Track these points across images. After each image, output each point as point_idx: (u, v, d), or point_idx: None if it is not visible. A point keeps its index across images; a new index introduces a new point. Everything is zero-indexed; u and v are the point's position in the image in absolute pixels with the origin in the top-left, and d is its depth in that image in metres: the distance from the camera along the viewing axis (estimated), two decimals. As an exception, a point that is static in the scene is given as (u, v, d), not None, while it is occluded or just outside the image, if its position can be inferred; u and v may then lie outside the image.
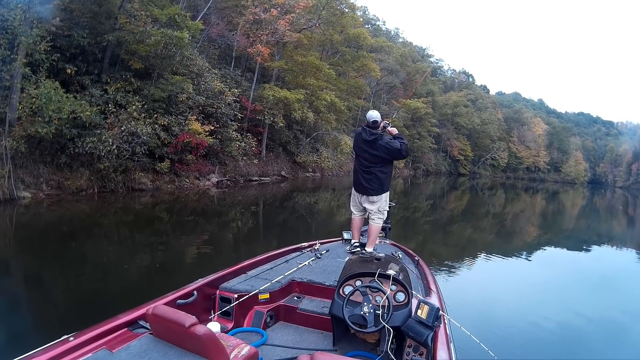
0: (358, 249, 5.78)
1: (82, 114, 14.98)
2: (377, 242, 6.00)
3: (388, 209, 6.03)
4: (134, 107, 17.15)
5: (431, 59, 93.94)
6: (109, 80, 17.90)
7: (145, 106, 17.94)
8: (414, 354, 3.25)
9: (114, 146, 15.83)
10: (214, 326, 3.19)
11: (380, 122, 5.67)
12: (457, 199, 36.20)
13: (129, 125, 16.48)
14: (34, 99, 14.00)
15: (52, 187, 15.36)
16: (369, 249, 5.57)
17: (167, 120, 18.83)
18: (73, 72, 16.73)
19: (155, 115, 18.31)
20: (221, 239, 12.43)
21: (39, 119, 13.99)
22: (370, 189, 5.73)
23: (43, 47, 14.35)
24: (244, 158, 25.43)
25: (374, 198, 5.76)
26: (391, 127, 5.77)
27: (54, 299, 6.84)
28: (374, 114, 5.68)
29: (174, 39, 17.68)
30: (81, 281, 7.65)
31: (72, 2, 17.42)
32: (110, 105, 16.93)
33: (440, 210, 26.23)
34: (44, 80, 14.53)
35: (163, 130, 18.58)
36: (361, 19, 56.01)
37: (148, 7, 18.59)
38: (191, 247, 10.97)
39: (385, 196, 5.84)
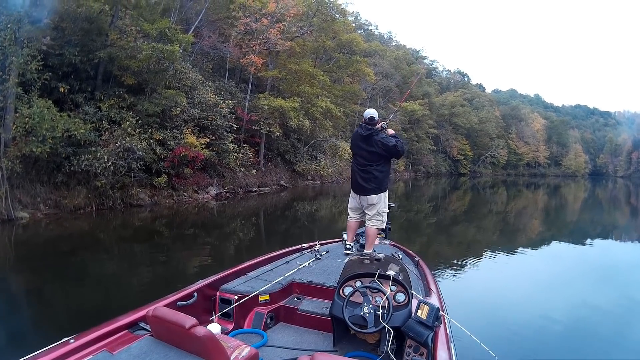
0: (348, 251, 5.73)
1: (76, 132, 14.93)
2: (377, 242, 5.98)
3: (387, 210, 5.96)
4: (127, 122, 17.09)
5: (425, 61, 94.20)
6: (102, 97, 17.85)
7: (140, 121, 17.85)
8: (414, 355, 3.23)
9: (110, 163, 15.73)
10: (214, 327, 3.22)
11: (378, 120, 5.69)
12: (459, 199, 36.06)
13: (124, 141, 16.39)
14: (27, 119, 13.96)
15: (50, 206, 15.25)
16: (367, 251, 5.47)
17: (162, 134, 18.74)
18: (66, 90, 16.63)
19: (150, 130, 18.21)
20: (223, 250, 12.31)
21: (33, 138, 13.93)
22: (368, 188, 5.69)
23: (34, 66, 14.32)
24: (242, 169, 25.33)
25: (373, 199, 5.71)
26: (389, 129, 5.77)
27: (54, 308, 6.87)
28: (370, 111, 5.75)
29: (165, 52, 17.61)
30: (81, 294, 7.62)
31: (63, 21, 17.37)
32: (104, 122, 16.86)
33: (442, 211, 26.08)
34: (37, 99, 14.52)
35: (159, 144, 18.47)
36: (353, 25, 56.25)
37: (138, 21, 18.54)
38: (192, 259, 10.80)
39: (384, 196, 5.80)
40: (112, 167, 15.91)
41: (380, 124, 5.67)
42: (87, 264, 9.98)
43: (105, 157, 15.59)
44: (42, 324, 6.17)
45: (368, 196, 5.72)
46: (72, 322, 6.12)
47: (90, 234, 13.70)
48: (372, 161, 5.64)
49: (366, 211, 5.82)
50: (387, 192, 5.86)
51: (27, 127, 13.97)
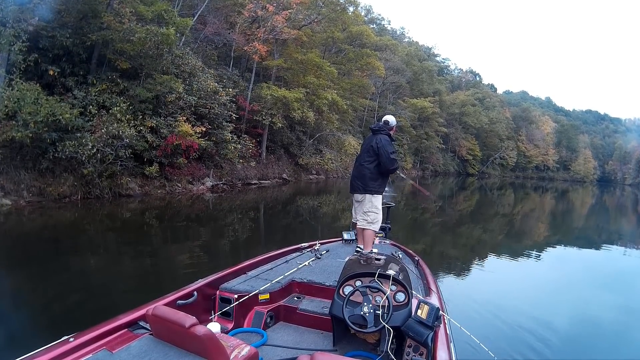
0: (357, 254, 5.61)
1: (61, 117, 14.20)
2: (377, 242, 6.22)
3: (377, 212, 5.77)
4: (117, 108, 16.37)
5: (437, 58, 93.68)
6: (95, 82, 17.13)
7: (132, 107, 17.17)
8: (414, 354, 3.26)
9: (94, 150, 15.03)
10: (214, 326, 3.23)
11: (392, 127, 5.85)
12: (466, 199, 35.57)
13: (111, 128, 15.66)
14: (6, 102, 13.31)
15: (34, 193, 14.62)
16: (366, 251, 5.48)
17: (155, 121, 18.07)
18: (56, 73, 16.00)
19: (142, 117, 17.55)
20: (217, 246, 11.75)
21: (14, 122, 13.34)
22: (355, 185, 5.79)
23: (18, 47, 13.65)
24: (241, 161, 24.63)
25: (358, 197, 5.79)
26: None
27: (33, 306, 6.53)
28: (387, 116, 5.95)
29: (159, 35, 16.87)
30: (62, 290, 7.19)
31: (61, 3, 16.66)
32: (92, 107, 16.14)
33: (448, 211, 25.55)
34: (19, 81, 13.85)
35: (151, 132, 17.81)
36: (365, 18, 55.66)
37: (134, 4, 17.82)
38: (183, 256, 10.18)
39: (371, 198, 5.72)
40: (99, 155, 15.28)
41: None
42: (68, 258, 9.50)
43: (90, 144, 14.89)
44: (19, 324, 5.74)
45: (355, 194, 5.83)
46: (51, 323, 5.86)
47: (73, 225, 13.12)
48: (368, 156, 5.65)
49: (356, 208, 5.91)
50: (377, 197, 5.76)
51: (7, 111, 13.37)
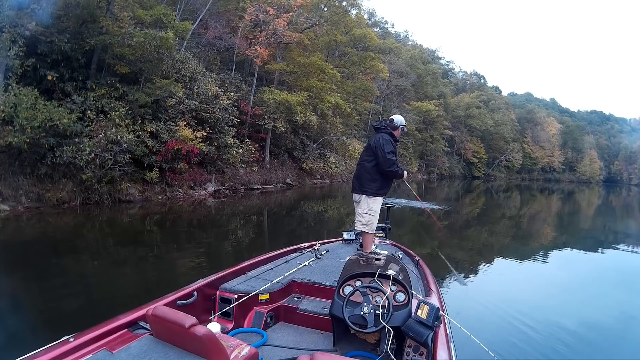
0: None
1: (59, 122, 14.02)
2: (377, 242, 6.21)
3: (372, 214, 5.59)
4: (115, 113, 16.17)
5: (442, 61, 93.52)
6: (94, 87, 16.94)
7: (131, 112, 16.97)
8: (414, 354, 3.27)
9: (92, 155, 14.83)
10: (214, 327, 3.24)
11: (398, 126, 5.69)
12: (472, 202, 35.25)
13: (109, 133, 15.48)
14: (2, 107, 13.18)
15: (32, 199, 14.44)
16: (365, 251, 5.42)
17: (154, 126, 17.89)
18: (54, 78, 15.83)
19: (140, 122, 17.36)
20: (218, 255, 11.42)
21: (10, 128, 13.18)
22: (353, 185, 5.68)
23: (15, 52, 13.56)
24: (243, 165, 24.43)
25: (356, 197, 5.66)
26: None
27: (42, 308, 6.53)
28: (394, 115, 5.86)
29: (157, 39, 16.67)
30: (59, 298, 6.99)
31: (59, 9, 16.58)
32: (90, 112, 15.97)
33: (455, 215, 25.25)
34: (16, 86, 13.73)
35: (150, 137, 17.61)
36: (368, 21, 55.57)
37: (133, 8, 17.76)
38: (183, 264, 9.96)
39: (367, 200, 5.54)
40: (97, 160, 15.09)
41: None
42: (67, 262, 9.41)
43: (88, 149, 14.70)
44: (19, 325, 5.67)
45: (354, 193, 5.70)
46: (50, 324, 5.83)
47: (72, 230, 13.00)
48: (367, 155, 5.55)
49: (356, 209, 5.76)
50: (374, 199, 5.56)
51: (4, 116, 13.23)
